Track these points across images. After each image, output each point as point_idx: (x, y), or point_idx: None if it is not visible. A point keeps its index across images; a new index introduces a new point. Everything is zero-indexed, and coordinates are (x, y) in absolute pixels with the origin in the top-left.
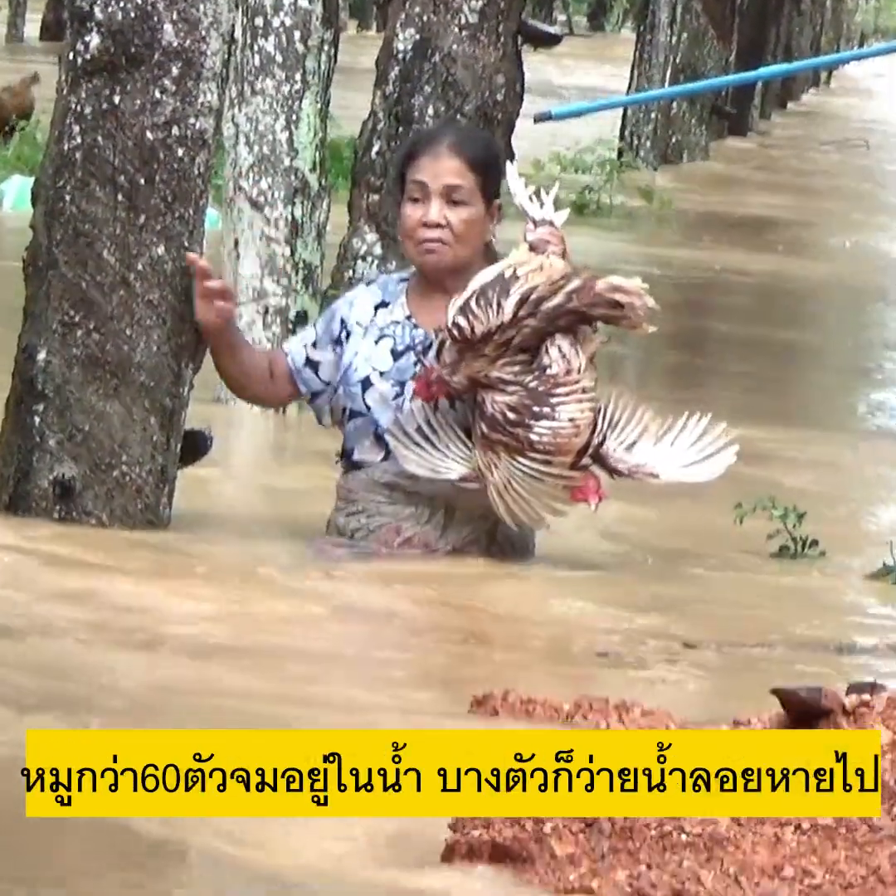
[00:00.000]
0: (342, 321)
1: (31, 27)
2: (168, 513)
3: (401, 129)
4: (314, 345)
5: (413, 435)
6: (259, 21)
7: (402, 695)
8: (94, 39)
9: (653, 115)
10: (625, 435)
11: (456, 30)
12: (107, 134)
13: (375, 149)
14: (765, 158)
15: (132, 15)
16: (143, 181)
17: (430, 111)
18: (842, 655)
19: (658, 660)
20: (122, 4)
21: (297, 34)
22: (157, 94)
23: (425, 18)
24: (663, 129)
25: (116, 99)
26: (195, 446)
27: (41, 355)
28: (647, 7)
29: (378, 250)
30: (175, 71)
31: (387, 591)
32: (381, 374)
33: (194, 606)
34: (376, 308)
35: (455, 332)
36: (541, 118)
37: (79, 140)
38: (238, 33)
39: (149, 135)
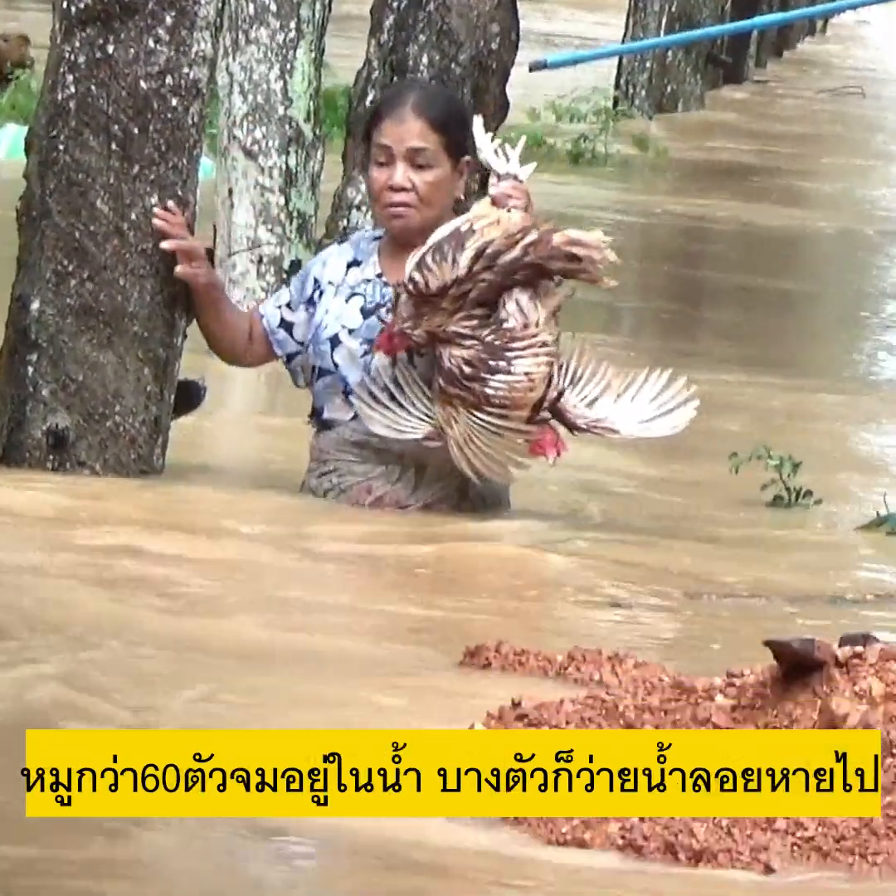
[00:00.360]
0: (315, 281)
1: None
2: (162, 463)
3: (395, 78)
4: (288, 306)
5: (379, 395)
6: None
7: (393, 647)
8: None
9: (648, 64)
10: (587, 391)
11: None
12: (100, 83)
13: (370, 98)
14: (760, 107)
15: None
16: (136, 131)
17: (425, 60)
18: (834, 606)
19: (652, 610)
20: None
21: None
22: (151, 44)
23: None
24: (659, 77)
25: (110, 48)
26: (189, 397)
27: (35, 305)
28: None
29: None
30: (169, 20)
31: (373, 545)
32: (351, 331)
33: (182, 553)
34: (348, 266)
35: (410, 287)
36: (536, 67)
37: (72, 89)
38: None
39: (143, 84)
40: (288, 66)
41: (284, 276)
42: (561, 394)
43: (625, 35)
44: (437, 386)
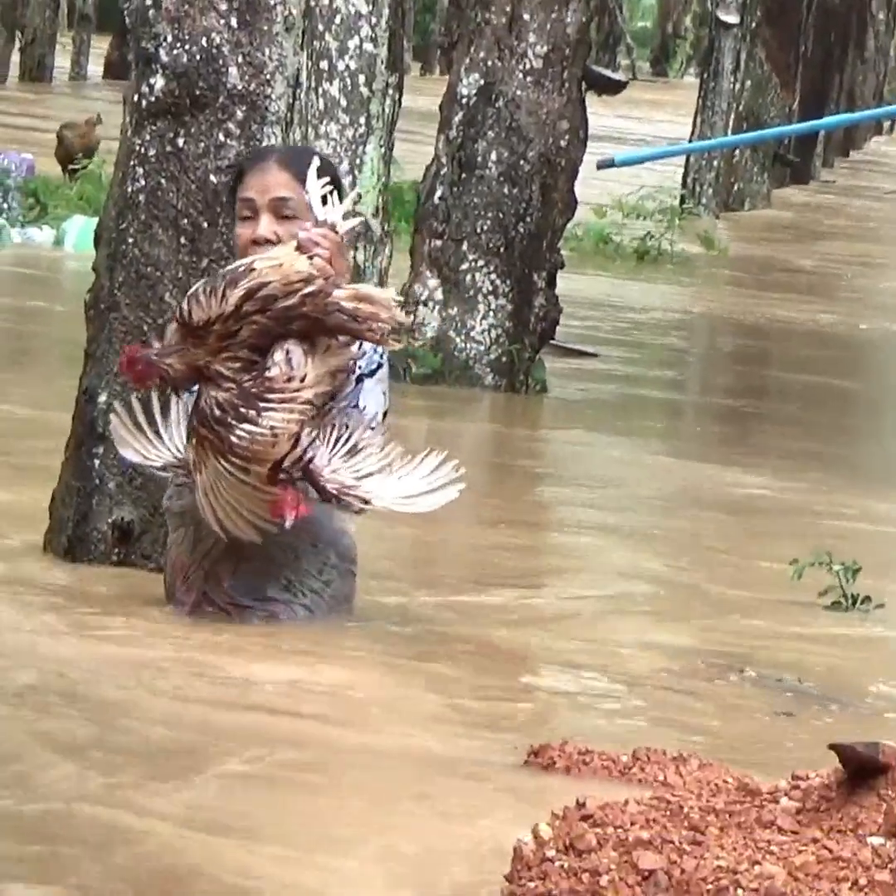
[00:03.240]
0: None
1: (95, 65)
2: None
3: (464, 174)
4: None
5: (141, 420)
6: (324, 65)
7: (457, 743)
8: (159, 81)
9: (715, 163)
10: (363, 465)
11: (520, 75)
12: (170, 176)
13: (438, 194)
14: (827, 207)
15: (197, 58)
16: (205, 224)
17: (493, 156)
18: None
19: (711, 707)
20: (187, 47)
21: (361, 78)
22: (222, 138)
23: (490, 63)
24: (725, 176)
25: (180, 141)
26: None
27: (102, 398)
28: (711, 54)
29: (439, 295)
30: (239, 114)
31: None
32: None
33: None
34: None
35: (177, 315)
36: (604, 165)
37: (142, 182)
38: (303, 77)
39: (212, 178)
40: (357, 161)
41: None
42: (311, 459)
43: (692, 134)
44: (191, 423)
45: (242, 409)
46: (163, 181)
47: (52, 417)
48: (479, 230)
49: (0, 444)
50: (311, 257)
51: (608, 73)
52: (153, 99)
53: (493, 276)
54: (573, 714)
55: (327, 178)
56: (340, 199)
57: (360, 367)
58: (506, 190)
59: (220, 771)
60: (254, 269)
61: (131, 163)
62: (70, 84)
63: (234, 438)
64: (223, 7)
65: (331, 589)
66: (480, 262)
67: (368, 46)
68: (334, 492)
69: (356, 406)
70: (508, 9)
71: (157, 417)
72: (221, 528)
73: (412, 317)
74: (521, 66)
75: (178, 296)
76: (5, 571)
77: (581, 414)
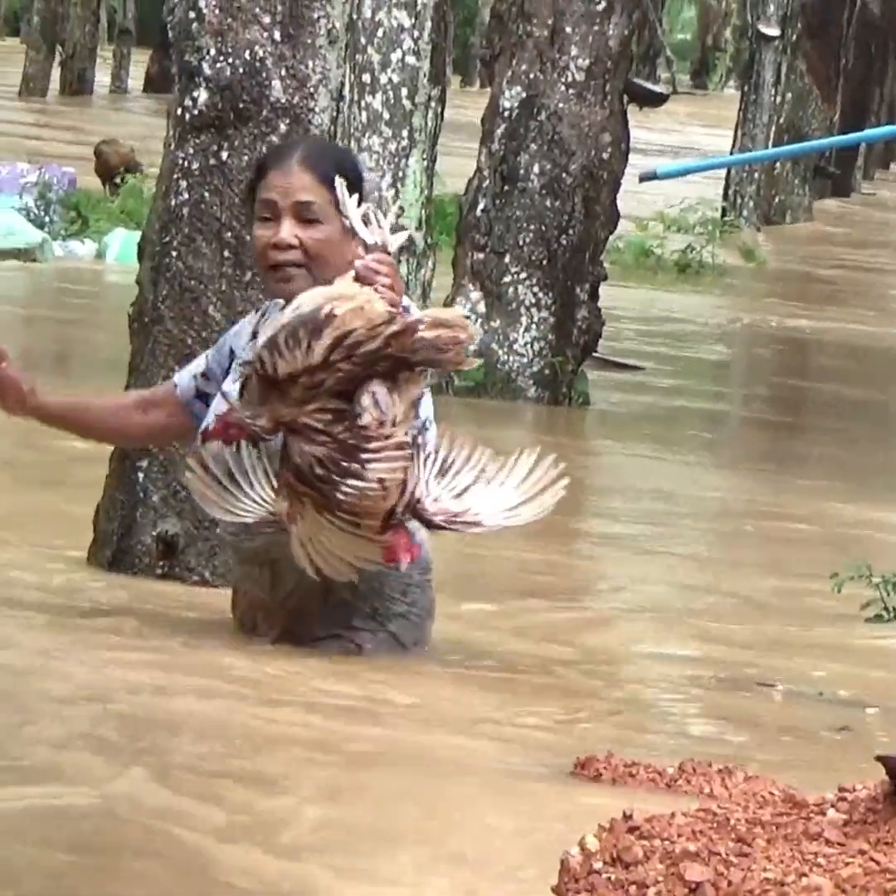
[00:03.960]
0: (231, 351)
1: (135, 79)
2: None
3: (506, 187)
4: (204, 376)
5: (216, 472)
6: (367, 78)
7: (502, 754)
8: (203, 95)
9: (756, 175)
10: (458, 480)
11: (562, 88)
12: (214, 189)
13: (480, 207)
14: (867, 219)
15: (241, 71)
16: (249, 237)
17: (536, 169)
18: None
19: (758, 720)
20: (230, 60)
21: (404, 91)
22: (265, 151)
23: (532, 76)
24: (766, 189)
25: (224, 155)
26: None
27: None
28: (752, 66)
29: (482, 308)
30: (283, 127)
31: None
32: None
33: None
34: (252, 336)
35: (258, 368)
36: (646, 177)
37: (186, 195)
38: (346, 90)
39: None
40: (400, 174)
41: None
42: (419, 500)
43: (733, 146)
44: (285, 479)
45: (344, 464)
46: (206, 194)
47: None
48: (521, 243)
49: (43, 457)
50: (374, 287)
51: (650, 85)
52: (196, 112)
53: (535, 289)
54: (618, 726)
55: (347, 180)
56: (361, 196)
57: None
58: (548, 202)
59: (286, 786)
60: (334, 316)
61: (175, 176)
62: (110, 98)
63: (340, 495)
64: (266, 20)
65: (416, 608)
66: (523, 275)
67: (411, 59)
68: (442, 523)
69: (417, 417)
70: (550, 21)
71: (232, 467)
72: (318, 573)
73: None
74: (563, 79)
75: (223, 309)
76: (50, 583)
77: (623, 426)
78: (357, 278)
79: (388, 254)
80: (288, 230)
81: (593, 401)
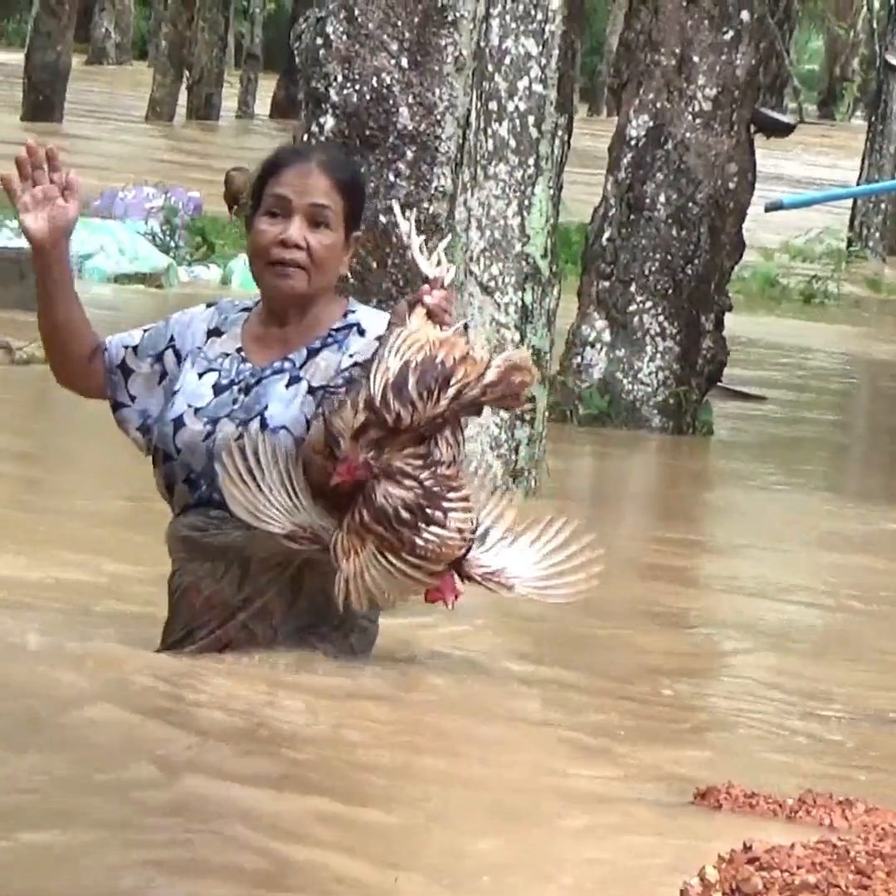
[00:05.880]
0: (171, 337)
1: (262, 104)
2: None
3: (632, 216)
4: (135, 350)
5: (241, 467)
6: (493, 105)
7: (623, 784)
8: (329, 121)
9: (883, 206)
10: (490, 536)
11: (689, 117)
12: None
13: (606, 235)
14: None
15: (368, 98)
16: (375, 265)
17: (662, 198)
18: None
19: (877, 752)
20: (357, 87)
21: (531, 119)
22: (392, 177)
23: (659, 105)
24: (893, 219)
25: None
26: None
27: None
28: (879, 96)
29: (607, 337)
30: (410, 154)
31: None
32: (197, 410)
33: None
34: (209, 334)
35: (389, 418)
36: (772, 207)
37: None
38: (472, 117)
39: (382, 217)
40: (526, 202)
41: (519, 413)
42: (470, 548)
43: (859, 176)
44: (358, 517)
45: (429, 511)
46: None
47: None
48: (646, 272)
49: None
50: (441, 324)
51: (777, 115)
52: (323, 138)
53: (660, 318)
54: (738, 756)
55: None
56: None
57: None
58: (674, 232)
59: (381, 805)
60: (457, 366)
61: None
62: (237, 122)
63: (420, 541)
64: (394, 47)
65: (374, 623)
66: (648, 304)
67: (538, 87)
68: (478, 577)
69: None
70: (678, 51)
71: (251, 464)
72: (346, 605)
73: (579, 358)
74: (690, 108)
75: None
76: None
77: (747, 456)
78: (428, 316)
79: (444, 288)
80: (298, 230)
81: (717, 431)
